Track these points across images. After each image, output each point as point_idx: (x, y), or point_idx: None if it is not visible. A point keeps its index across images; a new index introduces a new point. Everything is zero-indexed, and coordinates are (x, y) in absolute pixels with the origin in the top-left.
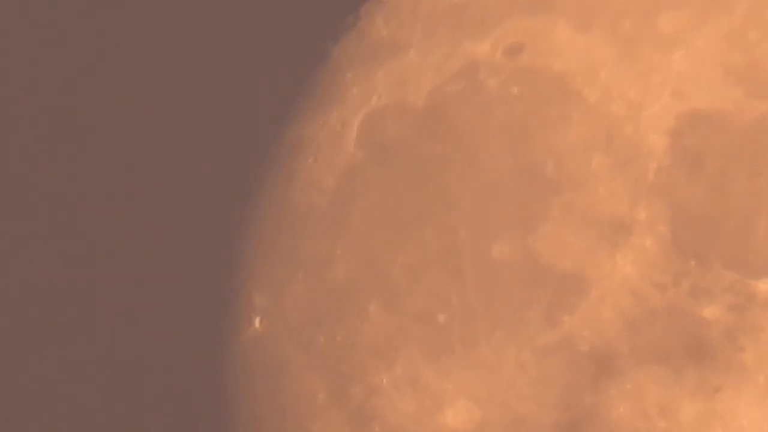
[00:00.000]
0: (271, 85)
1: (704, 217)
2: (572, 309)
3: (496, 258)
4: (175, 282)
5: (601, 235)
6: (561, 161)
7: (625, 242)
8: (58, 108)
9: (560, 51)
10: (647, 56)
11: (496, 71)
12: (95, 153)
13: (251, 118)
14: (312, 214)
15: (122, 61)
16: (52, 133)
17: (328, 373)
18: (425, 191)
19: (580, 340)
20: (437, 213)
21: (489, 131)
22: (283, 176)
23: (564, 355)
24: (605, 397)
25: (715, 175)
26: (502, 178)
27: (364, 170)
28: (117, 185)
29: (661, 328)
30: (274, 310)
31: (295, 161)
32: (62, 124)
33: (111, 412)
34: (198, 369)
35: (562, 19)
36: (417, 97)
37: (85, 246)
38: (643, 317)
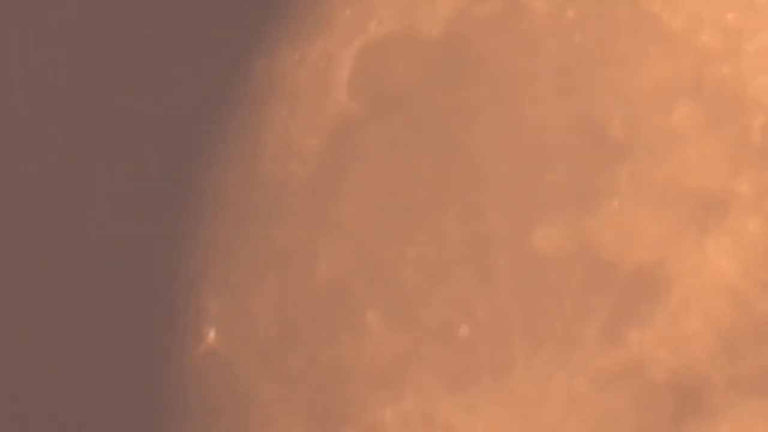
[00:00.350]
0: (224, 1)
1: None
2: (645, 320)
3: (540, 249)
4: (99, 282)
5: (686, 216)
6: (632, 114)
7: (720, 225)
8: None
9: None
10: None
11: None
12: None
13: (197, 51)
14: (288, 190)
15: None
16: None
17: (310, 409)
18: (444, 158)
19: (655, 364)
20: (460, 188)
21: (533, 72)
22: (245, 136)
23: (633, 384)
24: None
25: None
26: (549, 138)
27: (359, 127)
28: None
29: None
30: (235, 320)
31: (262, 114)
32: None
33: None
34: (129, 401)
35: None
36: (432, 23)
37: None
38: (745, 332)
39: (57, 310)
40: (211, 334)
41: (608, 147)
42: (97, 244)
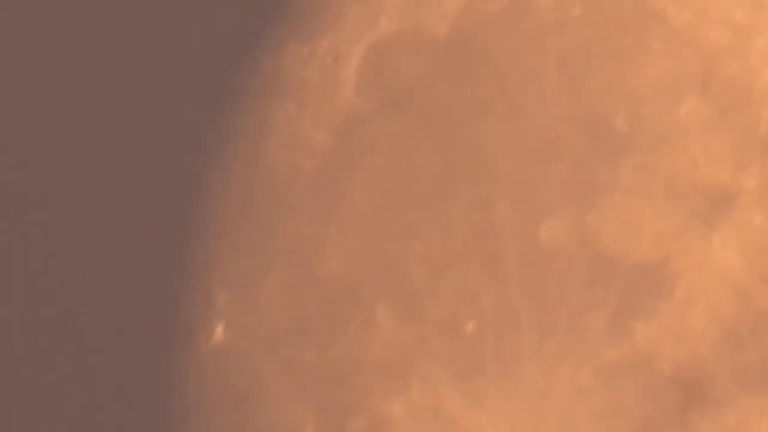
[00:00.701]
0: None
1: None
2: (649, 314)
3: (546, 244)
4: (105, 277)
5: (691, 211)
6: (637, 109)
7: (725, 220)
8: None
9: None
10: None
11: None
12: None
13: (206, 47)
14: (295, 184)
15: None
16: None
17: (319, 401)
18: (451, 153)
19: (660, 357)
20: (467, 183)
21: (539, 68)
22: (253, 130)
23: (638, 377)
24: None
25: None
26: (555, 133)
27: (367, 123)
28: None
29: None
30: (243, 314)
31: (270, 109)
32: None
33: None
34: (139, 395)
35: None
36: (440, 20)
37: None
38: (749, 325)
39: (63, 307)
40: (220, 329)
41: (613, 141)
42: (102, 239)
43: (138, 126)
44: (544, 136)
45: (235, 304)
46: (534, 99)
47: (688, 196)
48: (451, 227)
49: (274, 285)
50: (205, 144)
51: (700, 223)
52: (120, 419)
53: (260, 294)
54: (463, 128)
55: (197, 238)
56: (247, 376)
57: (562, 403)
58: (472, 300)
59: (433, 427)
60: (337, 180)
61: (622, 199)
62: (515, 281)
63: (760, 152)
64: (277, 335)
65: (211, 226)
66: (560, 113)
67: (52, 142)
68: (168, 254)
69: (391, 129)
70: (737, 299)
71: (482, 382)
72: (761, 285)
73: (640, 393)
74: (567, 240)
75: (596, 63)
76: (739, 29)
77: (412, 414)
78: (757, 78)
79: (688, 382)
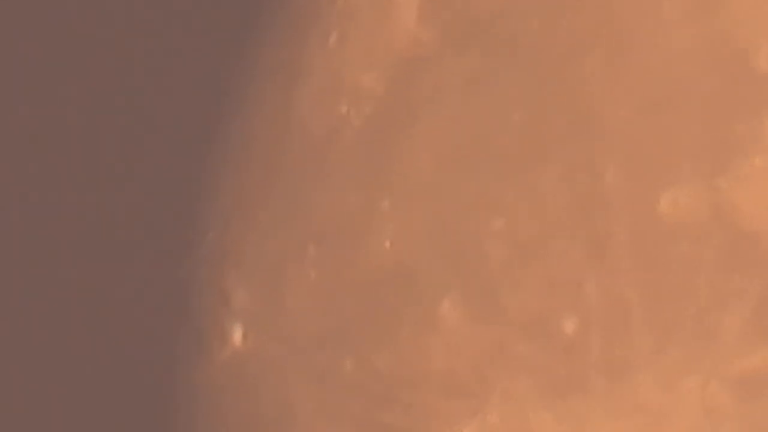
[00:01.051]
0: None
1: None
2: None
3: (668, 219)
4: (104, 267)
5: None
6: None
7: None
8: None
9: None
10: None
11: None
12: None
13: None
14: (337, 142)
15: None
16: None
17: (363, 424)
18: (541, 101)
19: None
20: (564, 140)
21: None
22: (283, 72)
23: None
24: None
25: None
26: (678, 75)
27: (431, 62)
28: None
29: None
30: (267, 313)
31: (304, 44)
32: None
33: None
34: (138, 414)
35: None
36: None
37: None
38: None
39: (58, 305)
40: (237, 332)
41: (753, 86)
42: (86, 213)
43: (144, 68)
44: (663, 80)
45: (257, 300)
46: (650, 31)
47: None
48: (542, 198)
49: (307, 277)
50: (223, 90)
51: None
52: None
53: (289, 288)
54: (557, 70)
55: (208, 213)
56: (271, 393)
57: (687, 425)
58: (571, 292)
59: None
60: (392, 137)
61: (763, 161)
62: (627, 268)
63: None
64: (311, 340)
65: (227, 198)
66: (684, 49)
67: (54, 103)
68: (171, 235)
69: (462, 70)
70: None
71: (584, 399)
72: None
73: None
74: (694, 214)
75: None
76: None
77: None
78: None
79: None
